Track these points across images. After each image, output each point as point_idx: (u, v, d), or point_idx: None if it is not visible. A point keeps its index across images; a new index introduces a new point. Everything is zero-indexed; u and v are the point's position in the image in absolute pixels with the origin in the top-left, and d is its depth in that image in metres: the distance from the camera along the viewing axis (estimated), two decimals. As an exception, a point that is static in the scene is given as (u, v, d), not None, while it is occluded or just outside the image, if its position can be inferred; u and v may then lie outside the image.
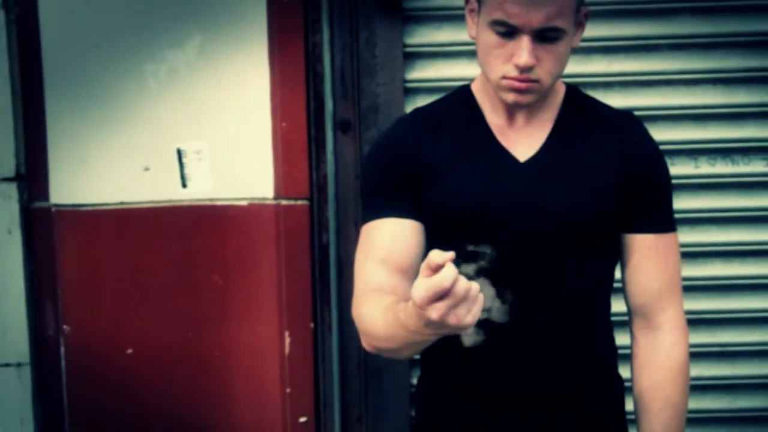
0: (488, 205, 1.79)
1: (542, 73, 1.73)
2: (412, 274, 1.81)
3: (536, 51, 1.71)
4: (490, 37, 1.73)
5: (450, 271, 1.39)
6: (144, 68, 2.87)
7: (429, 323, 1.46)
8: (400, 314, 1.58)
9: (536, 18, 1.68)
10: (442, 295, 1.39)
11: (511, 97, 1.76)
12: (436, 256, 1.39)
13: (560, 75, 1.80)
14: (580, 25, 1.79)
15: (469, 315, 1.42)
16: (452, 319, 1.41)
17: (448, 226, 1.81)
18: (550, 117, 1.87)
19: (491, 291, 1.75)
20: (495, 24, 1.71)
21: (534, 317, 1.81)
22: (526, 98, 1.76)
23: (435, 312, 1.40)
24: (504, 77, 1.74)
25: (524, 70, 1.71)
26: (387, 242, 1.82)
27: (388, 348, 1.72)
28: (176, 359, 2.94)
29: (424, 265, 1.42)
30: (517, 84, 1.73)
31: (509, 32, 1.70)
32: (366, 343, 1.79)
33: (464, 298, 1.41)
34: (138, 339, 2.93)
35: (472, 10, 1.80)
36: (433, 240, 1.83)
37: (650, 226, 1.88)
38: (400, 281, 1.80)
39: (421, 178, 1.83)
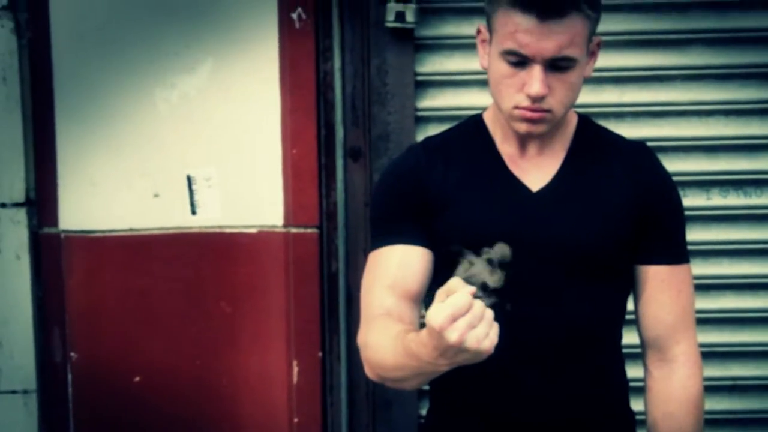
0: (500, 235, 1.76)
1: (554, 102, 1.72)
2: (419, 301, 1.80)
3: (548, 80, 1.69)
4: (501, 67, 1.72)
5: (466, 291, 1.41)
6: (155, 93, 2.88)
7: (445, 351, 1.45)
8: (411, 344, 1.56)
9: (548, 48, 1.66)
10: (459, 316, 1.40)
11: (523, 128, 1.75)
12: (457, 282, 1.42)
13: (573, 105, 1.79)
14: (592, 55, 1.78)
15: (487, 339, 1.43)
16: (472, 342, 1.41)
17: (457, 257, 1.79)
18: (563, 147, 1.85)
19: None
20: (506, 54, 1.70)
21: (545, 348, 1.79)
22: (538, 128, 1.75)
23: (455, 333, 1.41)
24: (516, 107, 1.73)
25: (536, 99, 1.70)
26: (395, 268, 1.80)
27: (394, 377, 1.70)
28: (184, 387, 2.92)
29: (441, 291, 1.43)
30: (529, 114, 1.72)
31: (521, 62, 1.69)
32: (371, 371, 1.77)
33: (482, 318, 1.42)
34: (146, 367, 2.92)
35: (483, 40, 1.79)
36: (443, 270, 1.82)
37: (664, 258, 1.86)
38: (408, 308, 1.79)
39: (431, 206, 1.82)
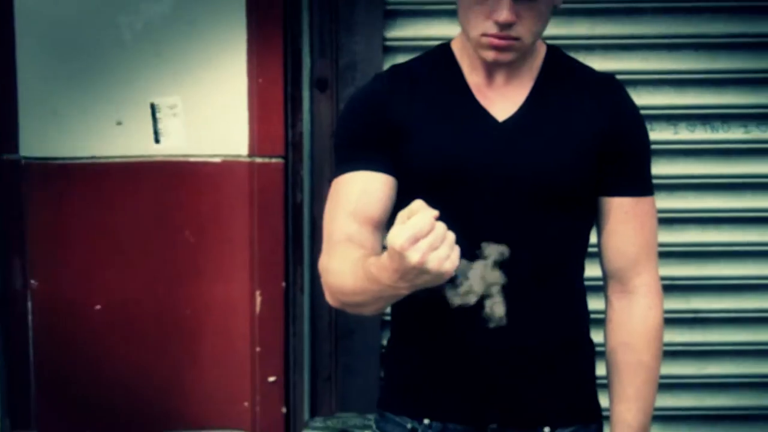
0: (465, 164, 1.78)
1: (522, 30, 1.71)
2: (381, 227, 1.80)
3: (516, 8, 1.69)
4: None
5: (429, 212, 1.43)
6: (119, 20, 2.83)
7: (406, 273, 1.47)
8: (372, 268, 1.57)
9: None
10: (420, 237, 1.42)
11: (491, 55, 1.74)
12: (419, 205, 1.44)
13: (541, 34, 1.79)
14: None
15: (448, 261, 1.44)
16: (434, 263, 1.43)
17: (424, 184, 1.79)
18: (530, 77, 1.85)
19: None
20: None
21: (507, 275, 1.79)
22: (505, 56, 1.74)
23: (416, 253, 1.42)
24: (484, 34, 1.72)
25: (504, 27, 1.69)
26: (357, 195, 1.80)
27: (354, 302, 1.71)
28: (145, 316, 2.91)
29: (404, 212, 1.44)
30: (497, 41, 1.72)
31: None
32: (331, 297, 1.77)
33: (444, 239, 1.43)
34: (107, 295, 2.91)
35: None
36: (407, 199, 1.81)
37: (628, 190, 1.87)
38: (370, 234, 1.79)
39: (396, 134, 1.81)
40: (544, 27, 1.76)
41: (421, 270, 1.44)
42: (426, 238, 1.42)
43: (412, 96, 1.83)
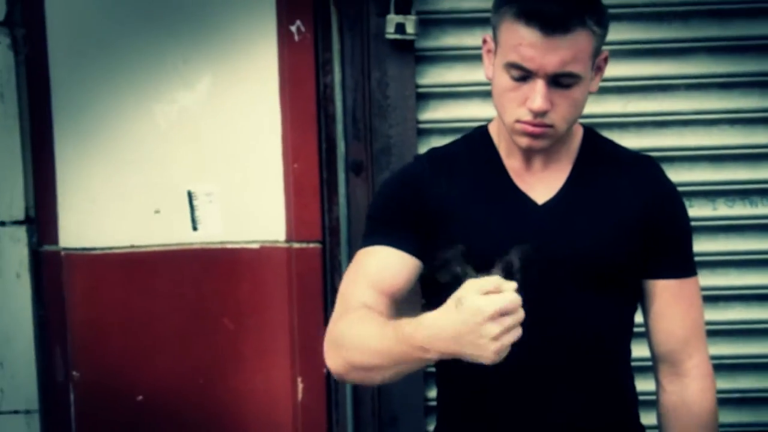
0: (506, 249, 1.76)
1: (556, 118, 1.71)
2: (397, 302, 1.80)
3: (551, 95, 1.69)
4: (504, 80, 1.71)
5: (517, 295, 1.48)
6: (154, 109, 2.86)
7: (460, 337, 1.48)
8: (406, 327, 1.57)
9: (551, 63, 1.66)
10: (507, 314, 1.46)
11: (524, 142, 1.74)
12: (505, 285, 1.48)
13: (576, 120, 1.79)
14: (599, 70, 1.77)
15: (506, 349, 1.50)
16: (504, 343, 1.47)
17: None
18: (569, 160, 1.85)
19: None
20: (510, 67, 1.69)
21: (554, 360, 1.78)
22: (539, 143, 1.74)
23: (497, 327, 1.46)
24: (518, 121, 1.72)
25: (538, 114, 1.69)
26: (378, 267, 1.80)
27: (369, 365, 1.67)
28: (187, 405, 2.90)
29: (484, 283, 1.48)
30: (530, 128, 1.72)
31: (524, 76, 1.69)
32: (339, 359, 1.73)
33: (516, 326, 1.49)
34: (149, 385, 2.90)
35: (489, 51, 1.78)
36: (443, 288, 1.80)
37: (673, 272, 1.86)
38: (386, 306, 1.77)
39: (432, 218, 1.81)
40: (579, 113, 1.76)
41: (485, 343, 1.46)
42: (512, 316, 1.46)
43: (450, 180, 1.83)
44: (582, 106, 1.75)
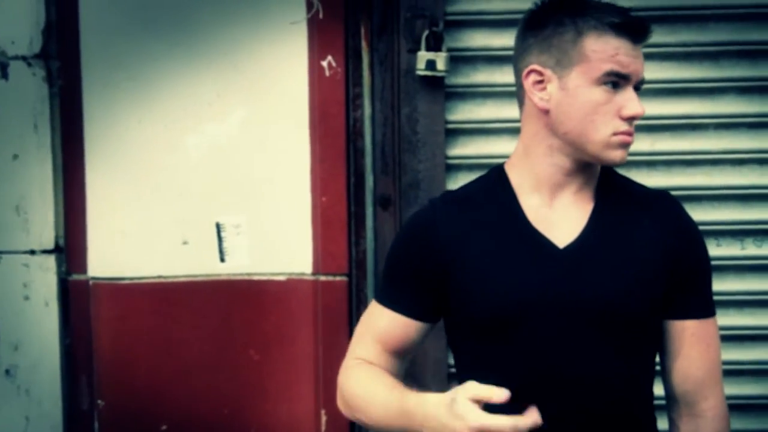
0: (527, 300, 1.72)
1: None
2: (403, 358, 1.89)
3: None
4: (597, 94, 1.69)
5: (514, 421, 1.53)
6: (186, 141, 2.88)
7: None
8: (410, 403, 1.66)
9: (640, 69, 1.71)
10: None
11: (620, 155, 1.72)
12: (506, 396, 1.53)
13: None
14: None
15: None
16: None
17: (481, 322, 1.76)
18: (590, 196, 1.79)
19: None
20: (608, 76, 1.68)
21: (579, 406, 1.74)
22: (627, 155, 1.75)
23: None
24: (615, 133, 1.70)
25: (634, 121, 1.71)
26: (383, 328, 1.86)
27: (373, 426, 1.79)
28: (212, 436, 2.90)
29: (489, 393, 1.53)
30: (629, 138, 1.71)
31: (617, 84, 1.69)
32: (346, 411, 1.88)
33: None
34: (173, 415, 2.90)
35: (539, 81, 1.74)
36: (465, 337, 1.80)
37: (693, 312, 1.81)
38: (391, 362, 1.87)
39: (447, 267, 1.77)
40: None
41: None
42: None
43: (465, 226, 1.78)
44: None
